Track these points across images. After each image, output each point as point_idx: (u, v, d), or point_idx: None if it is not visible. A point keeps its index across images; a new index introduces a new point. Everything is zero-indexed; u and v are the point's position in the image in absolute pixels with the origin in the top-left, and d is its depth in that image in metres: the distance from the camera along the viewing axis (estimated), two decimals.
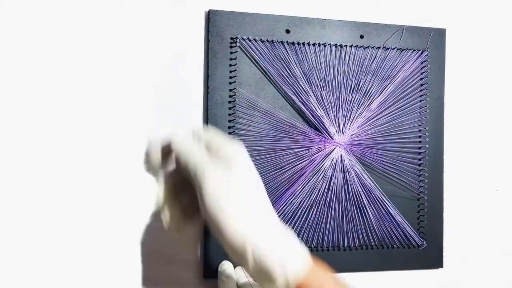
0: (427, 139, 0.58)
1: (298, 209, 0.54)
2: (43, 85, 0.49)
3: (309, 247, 0.55)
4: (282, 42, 0.54)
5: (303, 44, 0.55)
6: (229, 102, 0.53)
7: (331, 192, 0.55)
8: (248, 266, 0.37)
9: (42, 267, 0.49)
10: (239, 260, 0.37)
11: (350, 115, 0.56)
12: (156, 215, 0.52)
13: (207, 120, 0.52)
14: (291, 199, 0.54)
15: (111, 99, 0.51)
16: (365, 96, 0.56)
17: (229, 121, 0.53)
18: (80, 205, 0.50)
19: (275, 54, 0.54)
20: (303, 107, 0.55)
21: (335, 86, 0.55)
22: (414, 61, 0.58)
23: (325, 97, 0.55)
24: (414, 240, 0.58)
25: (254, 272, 0.37)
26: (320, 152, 0.55)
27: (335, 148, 0.55)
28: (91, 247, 0.50)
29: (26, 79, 0.49)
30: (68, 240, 0.50)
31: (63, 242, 0.50)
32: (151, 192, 0.52)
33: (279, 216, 0.54)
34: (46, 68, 0.50)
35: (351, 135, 0.56)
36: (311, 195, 0.55)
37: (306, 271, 0.36)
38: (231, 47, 0.53)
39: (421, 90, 0.58)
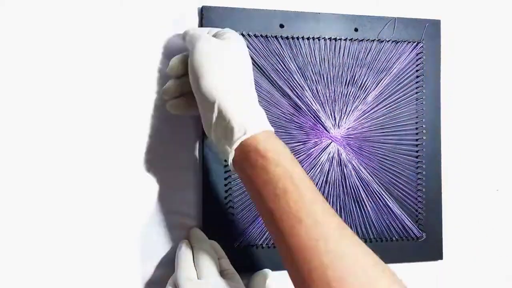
0: (424, 131, 0.58)
1: None
2: (42, 84, 0.49)
3: None
4: (276, 37, 0.54)
5: (297, 38, 0.54)
6: None
7: (329, 186, 0.55)
8: (212, 120, 0.41)
9: (41, 267, 0.49)
10: (205, 115, 0.42)
11: (346, 108, 0.56)
12: (154, 214, 0.52)
13: None
14: None
15: (108, 98, 0.51)
16: (361, 89, 0.56)
17: None
18: (79, 205, 0.50)
19: (269, 49, 0.54)
20: (298, 101, 0.54)
21: (331, 79, 0.55)
22: (410, 53, 0.58)
23: (320, 91, 0.55)
24: (413, 233, 0.58)
25: (216, 127, 0.41)
26: (317, 147, 0.55)
27: (331, 142, 0.55)
28: (89, 247, 0.50)
29: (24, 78, 0.49)
30: (67, 240, 0.50)
31: (62, 242, 0.50)
32: (150, 192, 0.52)
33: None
34: (44, 65, 0.49)
35: (348, 128, 0.56)
36: None
37: (262, 138, 0.40)
38: None
39: (417, 82, 0.58)
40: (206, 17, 0.52)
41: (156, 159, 0.52)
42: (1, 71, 0.48)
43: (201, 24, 0.53)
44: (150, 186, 0.52)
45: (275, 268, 0.54)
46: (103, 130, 0.51)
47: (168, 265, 0.52)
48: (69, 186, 0.50)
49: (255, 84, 0.53)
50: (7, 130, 0.48)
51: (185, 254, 0.47)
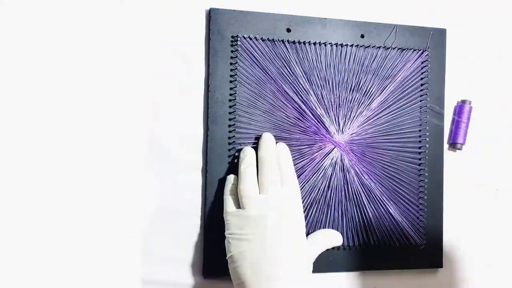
0: (427, 139, 0.58)
1: None
2: (42, 85, 0.49)
3: None
4: (282, 41, 0.54)
5: (304, 43, 0.55)
6: (230, 100, 0.53)
7: (331, 191, 0.55)
8: None
9: (41, 267, 0.49)
10: None
11: (350, 114, 0.56)
12: (156, 215, 0.52)
13: (207, 118, 0.52)
14: None
15: (110, 98, 0.51)
16: (366, 96, 0.56)
17: (230, 119, 0.53)
18: (80, 206, 0.50)
19: (275, 53, 0.54)
20: (303, 106, 0.55)
21: (336, 85, 0.56)
22: (415, 61, 0.58)
23: (325, 96, 0.55)
24: (414, 240, 0.58)
25: None
26: (320, 151, 0.55)
27: (335, 147, 0.56)
28: (90, 247, 0.50)
29: (24, 79, 0.49)
30: (67, 240, 0.50)
31: (62, 242, 0.50)
32: (152, 193, 0.52)
33: None
34: (45, 67, 0.50)
35: (351, 134, 0.56)
36: (311, 194, 0.55)
37: None
38: (232, 45, 0.53)
39: (421, 90, 0.58)
40: (213, 19, 0.53)
41: (158, 160, 0.52)
42: (1, 71, 0.48)
43: (208, 26, 0.53)
44: (152, 187, 0.52)
45: None
46: (104, 130, 0.51)
47: (168, 265, 0.52)
48: (70, 186, 0.50)
49: (260, 87, 0.54)
50: (7, 130, 0.49)
51: (248, 167, 0.49)
